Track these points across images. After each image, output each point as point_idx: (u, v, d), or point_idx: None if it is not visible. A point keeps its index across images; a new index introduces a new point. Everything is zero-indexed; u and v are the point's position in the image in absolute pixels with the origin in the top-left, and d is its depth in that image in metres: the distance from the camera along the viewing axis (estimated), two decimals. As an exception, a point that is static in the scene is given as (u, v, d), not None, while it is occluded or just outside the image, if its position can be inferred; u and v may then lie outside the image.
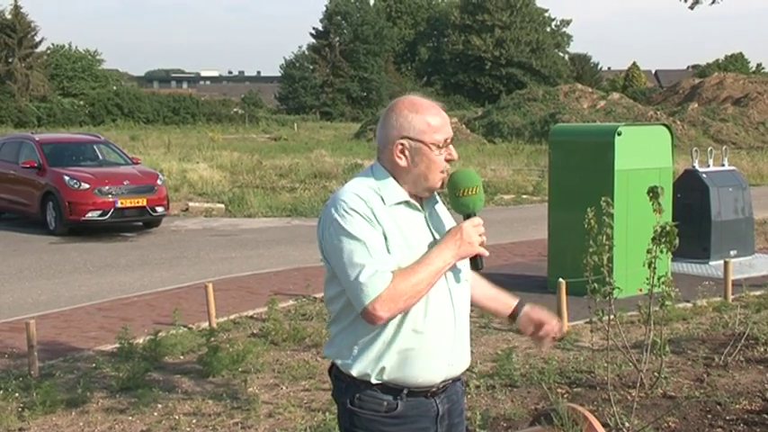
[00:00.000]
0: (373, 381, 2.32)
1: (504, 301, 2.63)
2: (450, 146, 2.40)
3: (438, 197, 2.50)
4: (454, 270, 2.38)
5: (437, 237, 2.37)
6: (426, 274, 2.24)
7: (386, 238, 2.27)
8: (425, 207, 2.41)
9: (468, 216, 2.35)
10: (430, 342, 2.32)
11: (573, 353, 6.42)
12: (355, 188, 2.34)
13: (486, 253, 2.36)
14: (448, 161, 2.38)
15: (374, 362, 2.31)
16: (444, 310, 2.34)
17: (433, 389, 2.37)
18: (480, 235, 2.34)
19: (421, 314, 2.31)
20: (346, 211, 2.26)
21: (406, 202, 2.35)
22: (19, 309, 8.33)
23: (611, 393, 4.85)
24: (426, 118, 2.36)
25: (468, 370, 5.84)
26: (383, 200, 2.31)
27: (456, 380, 2.46)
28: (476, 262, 2.38)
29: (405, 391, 2.33)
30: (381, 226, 2.27)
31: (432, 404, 2.37)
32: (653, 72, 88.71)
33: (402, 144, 2.35)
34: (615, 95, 44.32)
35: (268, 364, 6.20)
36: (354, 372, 2.33)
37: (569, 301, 6.90)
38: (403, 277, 2.23)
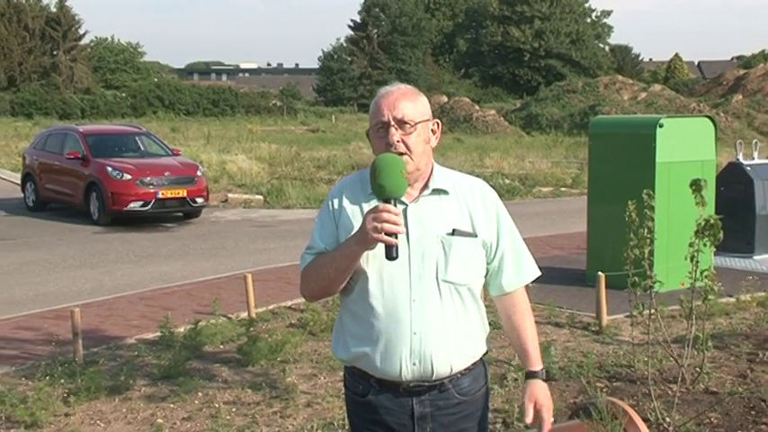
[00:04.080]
0: (345, 364, 2.49)
1: (525, 359, 2.51)
2: (391, 129, 2.33)
3: (456, 192, 2.41)
4: (426, 272, 2.33)
5: (412, 229, 2.33)
6: (329, 259, 2.35)
7: (337, 226, 2.39)
8: (418, 199, 2.37)
9: (386, 201, 2.23)
10: (382, 335, 2.34)
11: (612, 347, 6.36)
12: (346, 179, 2.54)
13: (393, 241, 2.20)
14: (390, 144, 2.32)
15: (342, 346, 2.46)
16: (398, 308, 2.33)
17: (404, 385, 2.37)
18: (384, 222, 2.18)
19: (374, 307, 2.34)
20: (326, 199, 2.49)
21: None
22: (64, 297, 8.50)
23: (652, 388, 4.80)
24: (371, 104, 2.43)
25: (505, 362, 5.82)
26: (365, 190, 2.40)
27: (442, 386, 2.39)
28: (387, 250, 2.23)
29: (373, 381, 2.41)
30: (341, 214, 2.40)
31: (407, 402, 2.39)
32: (696, 63, 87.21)
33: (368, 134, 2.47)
34: (657, 87, 43.67)
35: (306, 355, 6.25)
36: (333, 352, 2.54)
37: (608, 294, 6.84)
38: (315, 261, 2.40)
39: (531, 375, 2.49)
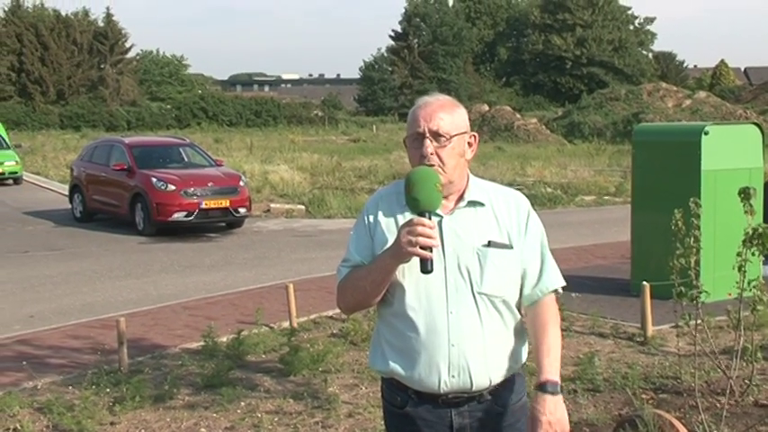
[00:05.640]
0: (383, 375, 2.47)
1: (538, 371, 2.37)
2: (426, 141, 2.31)
3: (492, 204, 2.39)
4: (462, 284, 2.31)
5: (447, 242, 2.32)
6: (365, 272, 2.34)
7: (372, 239, 2.38)
8: (454, 211, 2.36)
9: (420, 215, 2.23)
10: (420, 347, 2.32)
11: (658, 358, 6.26)
12: (381, 191, 2.51)
13: (427, 255, 2.19)
14: (424, 156, 2.31)
15: (379, 357, 2.44)
16: (435, 320, 2.31)
17: (443, 397, 2.35)
18: (418, 235, 2.17)
19: (411, 319, 2.33)
20: (362, 211, 2.47)
21: None
22: (110, 306, 8.64)
23: (699, 400, 4.70)
24: (410, 113, 2.40)
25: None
26: (400, 202, 2.35)
27: (481, 398, 2.37)
28: (422, 264, 2.22)
29: (411, 392, 2.39)
30: (376, 227, 2.39)
31: (446, 413, 2.37)
32: (742, 69, 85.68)
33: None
34: (702, 94, 43.00)
35: (347, 365, 6.26)
36: (370, 364, 2.50)
37: (654, 304, 6.73)
38: (351, 273, 2.39)
39: (538, 387, 2.32)
